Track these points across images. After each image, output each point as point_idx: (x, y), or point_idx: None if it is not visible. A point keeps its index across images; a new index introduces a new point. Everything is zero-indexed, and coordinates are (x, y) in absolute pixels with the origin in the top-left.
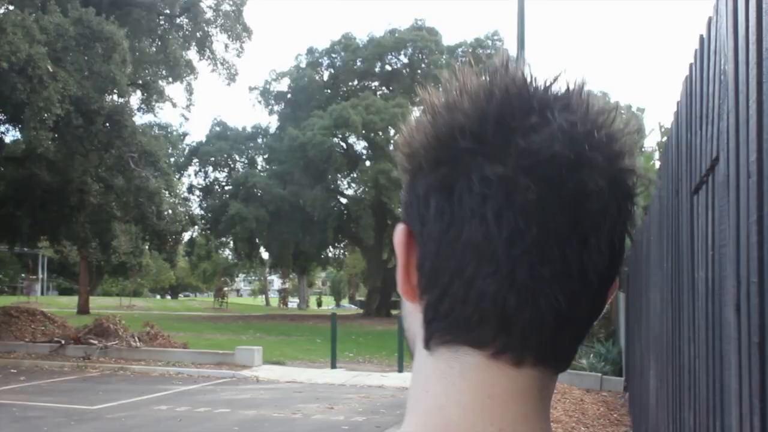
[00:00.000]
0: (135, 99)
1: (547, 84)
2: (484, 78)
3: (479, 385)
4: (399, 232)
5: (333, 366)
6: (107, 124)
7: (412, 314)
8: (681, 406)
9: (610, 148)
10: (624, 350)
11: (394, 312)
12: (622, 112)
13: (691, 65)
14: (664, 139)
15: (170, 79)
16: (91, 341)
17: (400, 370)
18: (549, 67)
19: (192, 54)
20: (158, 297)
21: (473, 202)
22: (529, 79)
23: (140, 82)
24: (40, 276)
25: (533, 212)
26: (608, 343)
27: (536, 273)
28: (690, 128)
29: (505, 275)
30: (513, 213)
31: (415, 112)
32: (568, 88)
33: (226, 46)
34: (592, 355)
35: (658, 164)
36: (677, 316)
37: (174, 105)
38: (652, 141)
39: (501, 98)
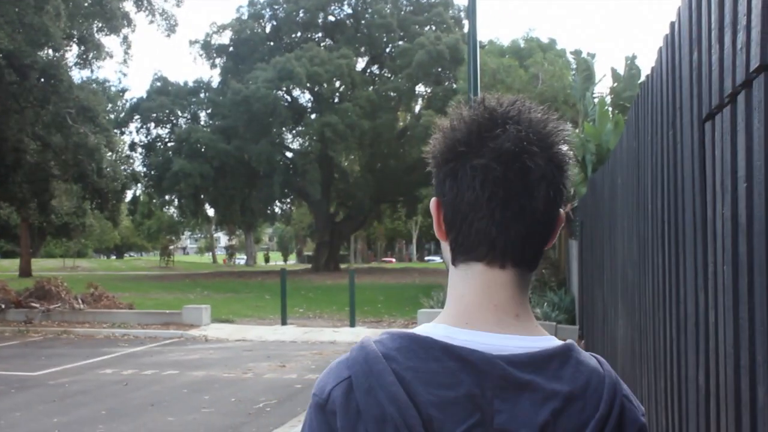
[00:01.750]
0: (71, 54)
1: (505, 109)
2: (470, 110)
3: (481, 281)
4: (432, 201)
5: (283, 323)
6: (42, 80)
7: (444, 247)
8: (682, 361)
9: (544, 142)
10: (578, 298)
11: (343, 266)
12: (559, 120)
13: None
14: (616, 84)
15: (106, 31)
16: (33, 305)
17: (352, 325)
18: (498, 16)
19: (129, 6)
20: (103, 257)
21: (468, 179)
22: (495, 107)
23: (75, 35)
24: None
25: (500, 182)
26: (560, 291)
27: (506, 215)
28: (697, 46)
29: (489, 218)
30: (489, 184)
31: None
32: (518, 109)
33: None
34: (546, 304)
35: (611, 108)
36: (674, 262)
37: (111, 56)
38: (604, 87)
39: (479, 122)
